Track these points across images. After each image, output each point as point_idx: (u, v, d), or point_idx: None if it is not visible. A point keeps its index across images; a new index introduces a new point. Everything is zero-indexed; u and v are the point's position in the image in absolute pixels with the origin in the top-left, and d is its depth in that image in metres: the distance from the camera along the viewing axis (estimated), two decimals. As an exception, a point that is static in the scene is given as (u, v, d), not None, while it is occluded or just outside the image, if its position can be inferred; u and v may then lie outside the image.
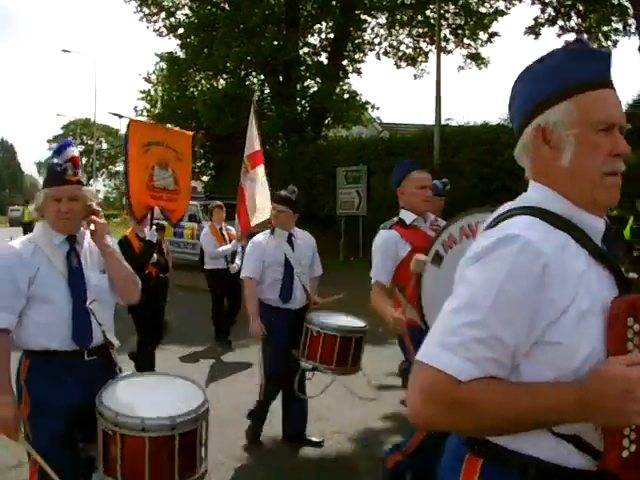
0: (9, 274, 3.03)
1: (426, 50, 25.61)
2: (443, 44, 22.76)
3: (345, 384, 5.66)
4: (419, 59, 25.77)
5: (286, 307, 5.49)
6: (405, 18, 25.26)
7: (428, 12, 24.25)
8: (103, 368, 3.20)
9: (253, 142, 8.48)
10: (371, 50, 26.18)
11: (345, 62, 25.81)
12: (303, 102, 24.68)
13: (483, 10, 23.69)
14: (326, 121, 24.77)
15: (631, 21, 19.16)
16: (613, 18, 20.27)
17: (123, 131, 8.38)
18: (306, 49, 25.29)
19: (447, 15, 24.07)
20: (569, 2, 20.02)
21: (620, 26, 20.29)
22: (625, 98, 24.17)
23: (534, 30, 20.35)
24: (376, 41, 26.11)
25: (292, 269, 5.51)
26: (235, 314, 9.85)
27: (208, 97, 23.97)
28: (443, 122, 19.92)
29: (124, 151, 6.52)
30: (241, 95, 22.21)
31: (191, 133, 6.90)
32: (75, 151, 3.23)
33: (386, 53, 26.09)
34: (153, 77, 28.57)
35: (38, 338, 3.09)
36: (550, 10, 20.25)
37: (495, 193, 18.37)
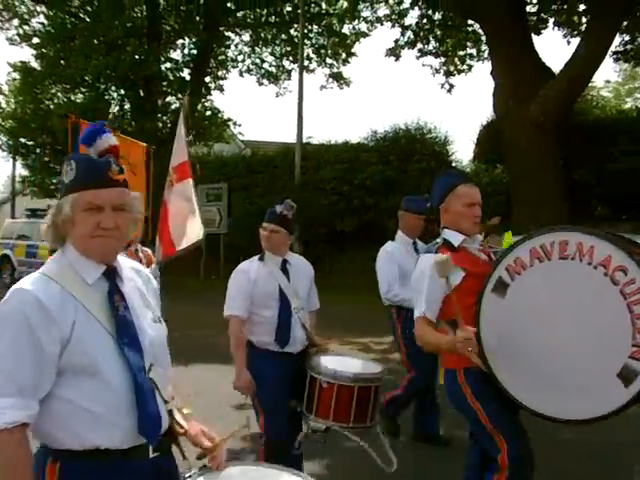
0: (27, 336, 1.94)
1: (289, 68, 25.77)
2: (306, 63, 22.97)
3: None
4: (282, 77, 25.84)
5: (284, 351, 4.44)
6: (269, 36, 25.32)
7: (292, 31, 24.41)
8: (168, 467, 2.24)
9: (180, 152, 7.36)
10: (234, 67, 26.05)
11: (208, 79, 25.48)
12: (164, 118, 24.11)
13: (346, 31, 24.07)
14: (188, 138, 24.13)
15: (484, 47, 19.94)
16: (468, 44, 21.07)
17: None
18: (168, 64, 24.72)
19: (310, 35, 24.30)
20: (427, 27, 20.61)
21: (474, 51, 21.12)
22: (480, 120, 24.88)
23: (394, 52, 20.77)
24: (239, 58, 26.02)
25: (289, 304, 4.48)
26: None
27: (64, 111, 22.92)
28: (305, 140, 20.02)
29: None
30: (99, 109, 21.39)
31: (144, 144, 6.24)
32: (113, 139, 2.20)
33: (249, 70, 26.02)
34: (5, 88, 27.08)
35: (80, 431, 2.01)
36: (410, 33, 20.75)
37: (356, 211, 18.61)
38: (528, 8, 18.42)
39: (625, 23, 17.45)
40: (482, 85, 58.01)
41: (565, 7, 18.86)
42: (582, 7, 18.64)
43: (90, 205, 2.04)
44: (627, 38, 18.41)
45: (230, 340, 4.43)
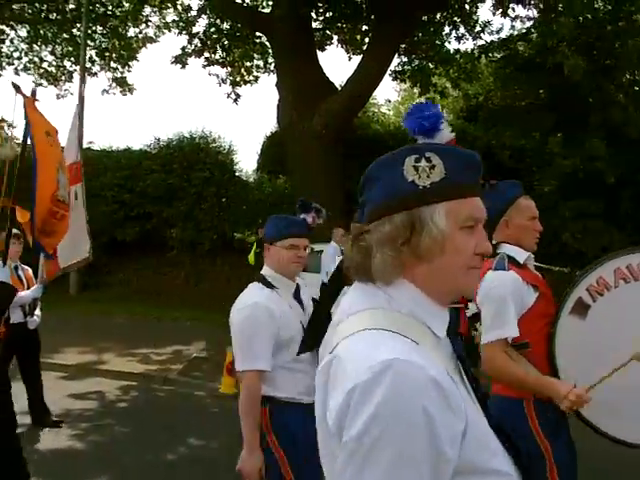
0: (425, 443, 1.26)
1: (71, 70, 24.34)
2: (88, 65, 21.85)
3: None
4: (63, 79, 24.38)
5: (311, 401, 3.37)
6: (49, 34, 23.79)
7: (75, 30, 23.11)
8: None
9: (72, 150, 6.24)
10: (9, 64, 24.19)
11: (-19, 75, 23.46)
12: None
13: (132, 35, 23.21)
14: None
15: (271, 59, 20.05)
16: (255, 55, 21.08)
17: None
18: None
19: (95, 36, 23.17)
20: (215, 36, 20.37)
21: (261, 63, 21.19)
22: (264, 131, 24.94)
23: (181, 60, 20.28)
24: (15, 55, 24.19)
25: None
26: (41, 390, 7.16)
27: None
28: (85, 145, 18.98)
29: (25, 137, 4.69)
30: None
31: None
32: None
33: (26, 69, 24.25)
34: None
35: None
36: (197, 41, 20.39)
37: (137, 219, 17.94)
38: (314, 24, 18.74)
39: (403, 45, 18.33)
40: (268, 96, 58.82)
41: (349, 26, 19.42)
42: (365, 27, 19.35)
43: (470, 221, 1.45)
44: (405, 59, 19.28)
45: (242, 399, 3.38)
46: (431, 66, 19.09)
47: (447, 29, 18.91)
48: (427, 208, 1.40)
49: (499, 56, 18.31)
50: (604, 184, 14.38)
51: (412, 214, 1.41)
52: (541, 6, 16.74)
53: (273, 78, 18.73)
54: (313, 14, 18.29)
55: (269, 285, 3.49)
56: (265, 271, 3.58)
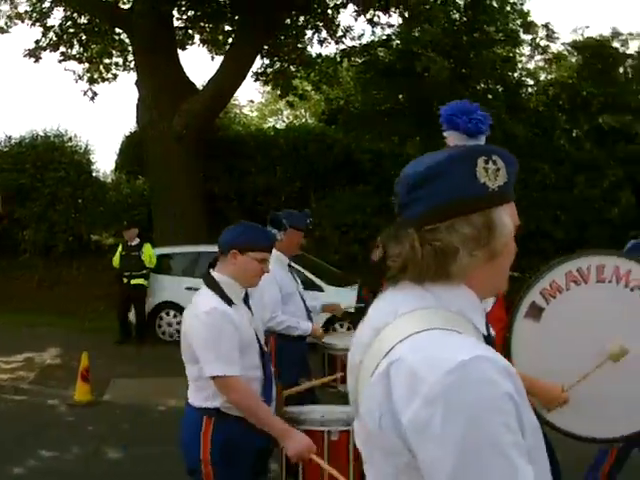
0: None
1: None
2: None
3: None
4: None
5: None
6: None
7: None
8: None
9: None
10: None
11: None
12: None
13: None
14: None
15: (131, 57, 19.51)
16: (114, 52, 20.44)
17: None
18: None
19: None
20: (72, 30, 19.59)
21: (120, 60, 20.55)
22: (123, 130, 24.35)
23: (34, 53, 19.36)
24: None
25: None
26: None
27: None
28: None
29: None
30: None
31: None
32: None
33: None
34: None
35: None
36: (52, 35, 19.53)
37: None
38: (176, 23, 18.42)
39: (266, 47, 18.33)
40: (127, 95, 57.18)
41: (211, 25, 19.21)
42: (227, 27, 19.20)
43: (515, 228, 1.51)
44: (267, 61, 19.26)
45: (242, 405, 3.31)
46: (293, 69, 19.16)
47: (309, 33, 19.04)
48: (496, 210, 1.43)
49: (360, 61, 18.63)
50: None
51: (486, 215, 1.41)
52: (406, 14, 17.12)
53: (133, 76, 18.25)
54: (175, 12, 17.95)
55: (222, 292, 3.39)
56: (219, 277, 3.46)
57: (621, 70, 17.04)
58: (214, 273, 3.49)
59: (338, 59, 18.80)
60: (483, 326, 1.48)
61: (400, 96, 17.56)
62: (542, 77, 19.23)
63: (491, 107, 15.64)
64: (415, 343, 1.31)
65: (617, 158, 15.28)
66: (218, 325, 3.29)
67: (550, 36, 17.36)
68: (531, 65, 19.38)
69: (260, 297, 4.69)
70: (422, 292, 1.42)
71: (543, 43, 17.61)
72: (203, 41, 19.64)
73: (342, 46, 18.84)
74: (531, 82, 18.68)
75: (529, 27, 17.05)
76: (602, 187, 14.72)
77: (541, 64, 19.20)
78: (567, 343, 3.16)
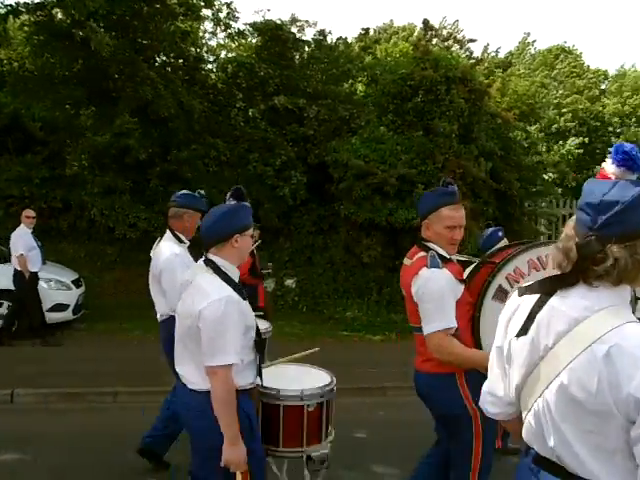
0: None
1: None
2: None
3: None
4: None
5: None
6: None
7: None
8: None
9: None
10: None
11: None
12: None
13: None
14: None
15: None
16: None
17: None
18: None
19: None
20: None
21: None
22: None
23: None
24: None
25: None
26: None
27: None
28: None
29: None
30: None
31: None
32: None
33: None
34: None
35: None
36: None
37: None
38: None
39: None
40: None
41: None
42: None
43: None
44: None
45: (219, 395, 3.30)
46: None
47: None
48: None
49: (34, 20, 17.06)
50: (137, 160, 14.40)
51: None
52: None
53: None
54: None
55: (229, 278, 3.39)
56: (221, 262, 3.44)
57: (297, 55, 17.65)
58: (214, 258, 3.45)
59: (3, 14, 16.93)
60: None
61: (75, 63, 16.39)
62: (222, 54, 19.36)
63: (169, 80, 15.37)
64: (625, 332, 1.84)
65: (290, 139, 15.84)
66: (230, 314, 3.27)
67: (232, 14, 17.47)
68: (214, 42, 19.43)
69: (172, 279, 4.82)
70: (611, 292, 1.95)
71: (226, 21, 17.64)
72: None
73: (9, 1, 16.99)
74: (211, 59, 18.72)
75: (211, 3, 16.94)
76: (275, 166, 15.14)
77: (222, 42, 19.33)
78: None
